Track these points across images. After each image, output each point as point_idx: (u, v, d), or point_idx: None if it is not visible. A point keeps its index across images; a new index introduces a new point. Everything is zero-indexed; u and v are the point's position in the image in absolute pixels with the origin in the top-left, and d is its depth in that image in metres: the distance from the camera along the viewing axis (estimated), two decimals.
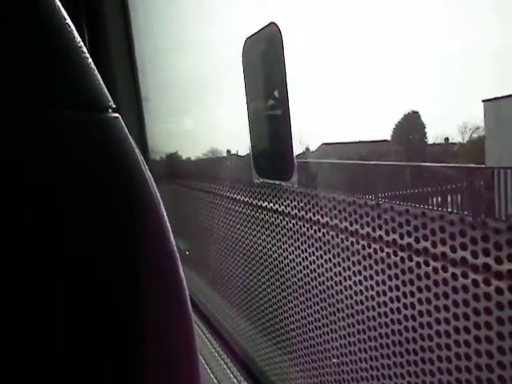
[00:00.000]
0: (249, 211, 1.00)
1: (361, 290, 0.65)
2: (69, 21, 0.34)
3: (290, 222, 0.82)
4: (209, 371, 1.18)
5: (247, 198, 0.99)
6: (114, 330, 0.32)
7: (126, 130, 0.35)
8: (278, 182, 0.81)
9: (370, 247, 0.62)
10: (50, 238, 0.30)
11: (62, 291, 0.30)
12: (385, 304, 0.61)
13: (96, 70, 0.35)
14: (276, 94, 0.75)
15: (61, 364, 0.29)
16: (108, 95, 0.36)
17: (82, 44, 0.34)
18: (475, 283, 0.47)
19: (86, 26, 1.55)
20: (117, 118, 0.35)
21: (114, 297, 0.32)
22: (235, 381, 1.11)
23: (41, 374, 0.29)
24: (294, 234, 0.81)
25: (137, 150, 0.36)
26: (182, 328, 0.37)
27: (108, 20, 1.58)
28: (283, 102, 0.74)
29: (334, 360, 0.77)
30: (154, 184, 0.36)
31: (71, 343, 0.30)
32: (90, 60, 0.35)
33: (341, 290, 0.70)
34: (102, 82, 0.35)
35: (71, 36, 0.34)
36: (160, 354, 0.35)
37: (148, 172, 0.36)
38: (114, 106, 0.36)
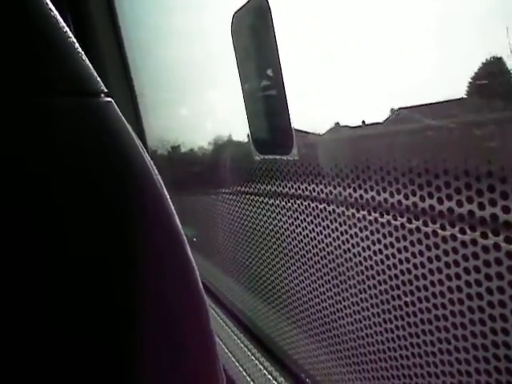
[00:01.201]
0: (252, 189, 0.99)
1: (372, 257, 0.65)
2: (52, 7, 0.34)
3: (295, 197, 0.82)
4: (226, 351, 1.19)
5: (249, 176, 0.99)
6: (127, 319, 0.31)
7: (120, 114, 0.35)
8: (278, 157, 0.81)
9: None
10: (49, 232, 0.29)
11: (66, 285, 0.29)
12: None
13: (84, 55, 0.34)
14: (269, 68, 0.74)
15: (69, 357, 0.29)
16: (99, 79, 0.35)
17: (67, 30, 0.34)
18: None
19: (69, 11, 1.53)
20: (110, 102, 0.34)
21: (123, 286, 0.32)
22: (253, 358, 1.12)
23: (45, 370, 0.29)
24: (298, 208, 0.81)
25: (133, 133, 0.35)
26: (196, 312, 0.37)
27: (92, 5, 1.56)
28: (277, 75, 0.73)
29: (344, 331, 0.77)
30: (154, 167, 0.36)
31: (79, 336, 0.30)
32: (77, 45, 0.34)
33: (350, 259, 0.70)
34: (91, 66, 0.35)
35: (56, 22, 0.33)
36: (175, 341, 0.34)
37: (147, 155, 0.36)
38: (105, 90, 0.35)
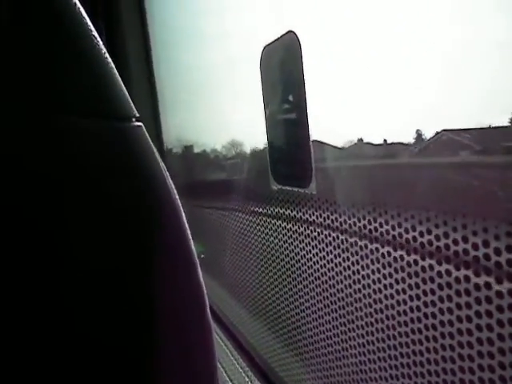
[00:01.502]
0: (268, 219, 1.00)
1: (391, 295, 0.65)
2: (92, 27, 0.34)
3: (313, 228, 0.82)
4: (228, 380, 1.18)
5: (266, 205, 0.99)
6: (131, 331, 0.32)
7: (149, 140, 0.36)
8: (296, 189, 0.81)
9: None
10: (70, 252, 0.30)
11: (75, 296, 0.30)
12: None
13: (119, 78, 0.35)
14: (294, 100, 0.75)
15: (74, 363, 0.29)
16: (131, 103, 0.36)
17: (104, 50, 0.34)
18: None
19: (104, 30, 1.57)
20: (140, 126, 0.35)
21: (131, 302, 0.32)
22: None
23: (54, 373, 0.29)
24: (314, 240, 0.81)
25: (160, 160, 0.36)
26: (200, 331, 0.37)
27: (125, 25, 1.60)
28: (301, 108, 0.74)
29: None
30: (176, 195, 0.36)
31: (83, 345, 0.30)
32: (113, 67, 0.35)
33: (368, 295, 0.69)
34: (125, 89, 0.35)
35: (94, 42, 0.34)
36: (178, 355, 0.35)
37: (171, 184, 0.36)
38: (137, 114, 0.36)
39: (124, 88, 0.35)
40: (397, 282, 0.60)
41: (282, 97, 0.80)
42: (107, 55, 0.34)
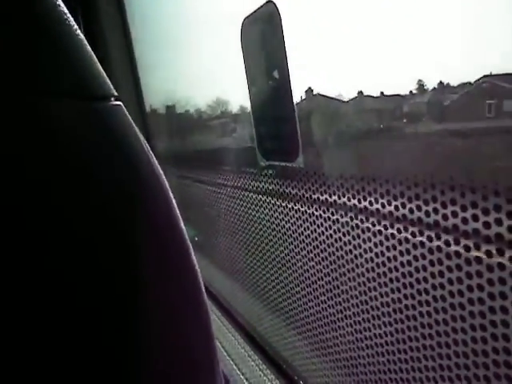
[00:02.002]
0: (256, 195, 0.99)
1: (376, 268, 0.65)
2: (65, 9, 0.33)
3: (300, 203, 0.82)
4: (226, 356, 1.19)
5: (253, 182, 0.98)
6: (128, 321, 0.31)
7: (130, 119, 0.35)
8: (283, 164, 0.81)
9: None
10: (49, 236, 0.29)
11: (66, 286, 0.29)
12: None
13: (95, 58, 0.34)
14: (277, 74, 0.74)
15: (68, 358, 0.29)
16: (109, 83, 0.35)
17: (79, 32, 0.34)
18: None
19: (80, 12, 1.53)
20: (119, 105, 0.34)
21: (124, 288, 0.31)
22: (253, 364, 1.12)
23: (43, 371, 0.28)
24: (303, 214, 0.81)
25: (142, 138, 0.35)
26: (197, 315, 0.37)
27: (102, 7, 1.56)
28: (285, 82, 0.73)
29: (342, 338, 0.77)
30: (161, 172, 0.36)
31: (79, 335, 0.29)
32: (89, 48, 0.34)
33: (353, 269, 0.70)
34: (102, 70, 0.35)
35: (69, 24, 0.33)
36: (176, 342, 0.35)
37: (155, 160, 0.35)
38: (115, 93, 0.35)
39: (101, 68, 0.35)
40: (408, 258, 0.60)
41: (264, 71, 0.79)
42: (82, 37, 0.34)
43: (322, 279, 0.80)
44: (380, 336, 0.67)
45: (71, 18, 0.33)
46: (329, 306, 0.80)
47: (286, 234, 0.89)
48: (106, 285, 0.30)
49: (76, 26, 0.34)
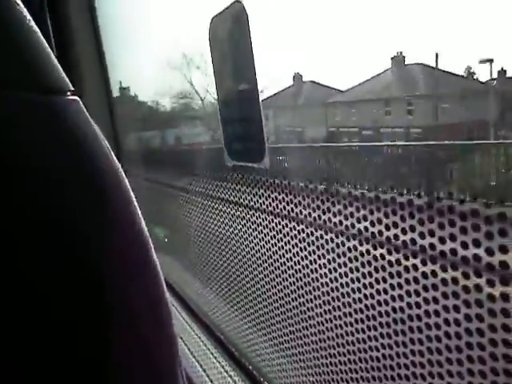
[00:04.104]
0: (223, 195, 0.99)
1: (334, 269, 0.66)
2: (22, 7, 0.33)
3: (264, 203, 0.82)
4: (189, 354, 1.18)
5: (221, 182, 0.98)
6: (88, 320, 0.31)
7: (87, 114, 0.34)
8: (250, 165, 0.81)
9: None
10: (7, 232, 0.28)
11: (26, 283, 0.29)
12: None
13: (51, 53, 0.34)
14: (245, 75, 0.74)
15: (35, 348, 0.29)
16: (65, 78, 0.34)
17: (34, 26, 0.33)
18: None
19: (49, 16, 1.50)
20: (76, 100, 0.34)
21: (85, 286, 0.31)
22: (215, 361, 1.12)
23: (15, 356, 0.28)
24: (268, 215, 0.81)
25: (99, 133, 0.34)
26: (158, 311, 0.37)
27: (72, 8, 1.53)
28: (252, 83, 0.73)
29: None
30: (119, 167, 0.35)
31: (45, 334, 0.29)
32: (45, 44, 0.34)
33: (315, 269, 0.70)
34: (57, 63, 0.34)
35: (24, 21, 0.32)
36: (137, 341, 0.34)
37: (113, 156, 0.35)
38: (71, 88, 0.34)
39: (57, 63, 0.34)
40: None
41: (232, 71, 0.79)
42: (38, 33, 0.33)
43: (287, 279, 0.80)
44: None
45: (27, 15, 0.33)
46: (294, 306, 0.81)
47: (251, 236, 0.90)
48: (65, 284, 0.30)
49: (32, 23, 0.33)
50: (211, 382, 1.07)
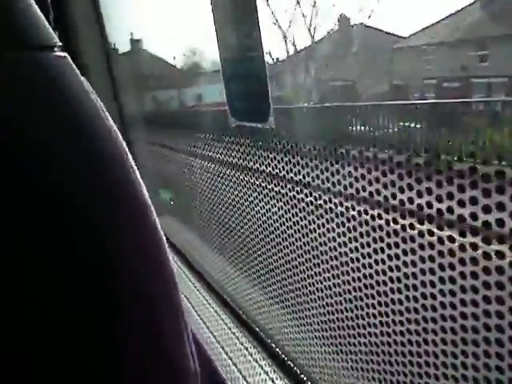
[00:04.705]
0: (225, 157, 0.98)
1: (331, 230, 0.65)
2: None
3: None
4: (196, 316, 1.20)
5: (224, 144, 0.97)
6: (101, 277, 0.30)
7: (77, 71, 0.32)
8: (254, 125, 0.78)
9: None
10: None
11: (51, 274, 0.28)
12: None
13: (37, 8, 0.31)
14: (248, 33, 0.71)
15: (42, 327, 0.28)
16: (52, 33, 0.32)
17: None
18: None
19: None
20: (64, 57, 0.32)
21: (92, 252, 0.30)
22: (218, 318, 1.13)
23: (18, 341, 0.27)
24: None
25: (91, 91, 0.32)
26: (163, 272, 0.36)
27: None
28: (256, 41, 0.70)
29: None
30: (115, 127, 0.33)
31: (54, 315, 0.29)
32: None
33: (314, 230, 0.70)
34: (43, 18, 0.32)
35: None
36: (145, 298, 0.34)
37: (106, 113, 0.33)
38: (59, 43, 0.32)
39: (43, 17, 0.32)
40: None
41: (234, 28, 0.75)
42: None
43: (295, 242, 0.80)
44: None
45: None
46: (301, 270, 0.80)
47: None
48: (70, 239, 0.29)
49: None
50: (218, 342, 1.08)
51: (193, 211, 1.34)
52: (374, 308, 0.62)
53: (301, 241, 0.76)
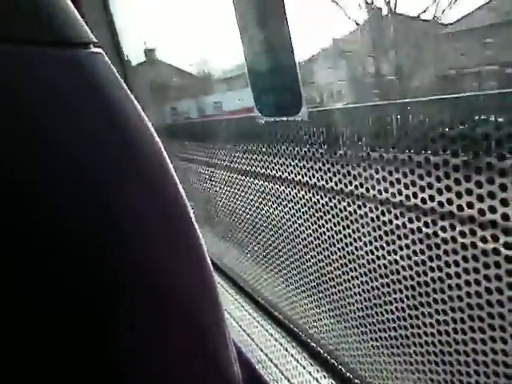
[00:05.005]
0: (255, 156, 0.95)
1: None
2: None
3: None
4: (234, 323, 1.18)
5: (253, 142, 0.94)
6: (136, 291, 0.30)
7: (112, 67, 0.31)
8: (284, 119, 0.75)
9: None
10: (32, 191, 0.27)
11: (52, 262, 0.28)
12: None
13: (72, 5, 0.31)
14: (275, 24, 0.68)
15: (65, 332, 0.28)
16: (88, 30, 0.31)
17: None
18: None
19: None
20: (99, 53, 0.31)
21: (127, 260, 0.30)
22: (261, 327, 1.11)
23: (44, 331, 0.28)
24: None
25: (126, 88, 0.31)
26: (205, 286, 0.36)
27: None
28: (283, 31, 0.66)
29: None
30: (148, 121, 0.32)
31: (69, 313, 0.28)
32: None
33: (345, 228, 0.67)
34: (79, 16, 0.31)
35: None
36: (187, 314, 0.33)
37: (143, 114, 0.32)
38: (94, 40, 0.31)
39: (78, 14, 0.31)
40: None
41: (258, 17, 0.72)
42: None
43: (327, 240, 0.77)
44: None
45: None
46: (334, 267, 0.78)
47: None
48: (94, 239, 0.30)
49: None
50: (261, 350, 1.06)
51: (231, 225, 1.31)
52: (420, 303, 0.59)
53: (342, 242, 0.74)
